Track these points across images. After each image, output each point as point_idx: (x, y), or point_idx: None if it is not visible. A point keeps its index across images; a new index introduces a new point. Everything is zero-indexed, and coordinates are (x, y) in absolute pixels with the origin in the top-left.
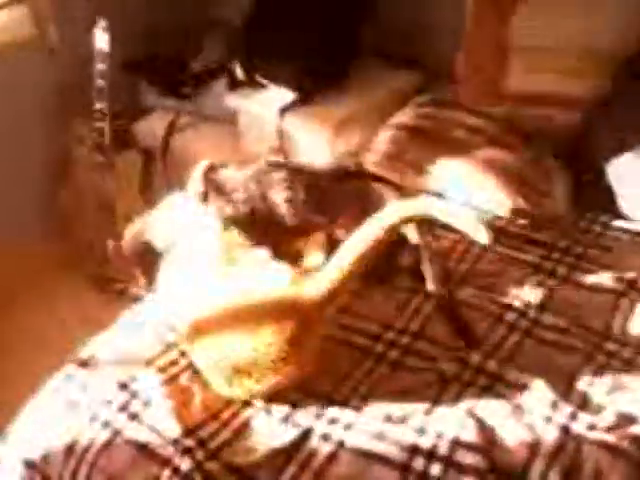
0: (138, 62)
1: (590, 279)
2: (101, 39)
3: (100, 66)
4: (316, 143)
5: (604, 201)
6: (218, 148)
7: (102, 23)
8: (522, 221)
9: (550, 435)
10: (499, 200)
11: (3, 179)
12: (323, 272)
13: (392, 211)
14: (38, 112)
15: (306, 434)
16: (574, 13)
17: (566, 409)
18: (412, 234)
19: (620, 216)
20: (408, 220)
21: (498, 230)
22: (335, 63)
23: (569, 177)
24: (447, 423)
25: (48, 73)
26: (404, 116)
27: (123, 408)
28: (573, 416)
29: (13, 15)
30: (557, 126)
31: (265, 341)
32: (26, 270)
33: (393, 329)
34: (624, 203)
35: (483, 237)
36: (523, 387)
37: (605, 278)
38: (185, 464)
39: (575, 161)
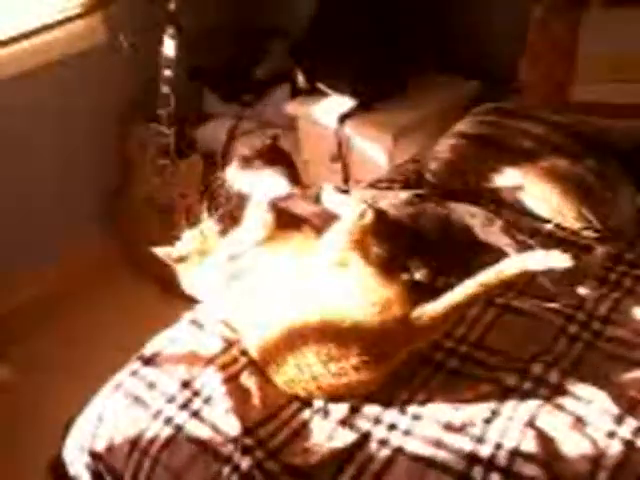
0: (202, 69)
1: None
2: (169, 46)
3: (166, 72)
4: (375, 150)
5: None
6: None
7: (170, 30)
8: (586, 232)
9: (614, 449)
10: (562, 210)
11: (70, 181)
12: (433, 304)
13: (511, 264)
14: (107, 115)
15: (364, 438)
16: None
17: (631, 423)
18: None
19: None
20: (521, 277)
21: (561, 241)
22: (395, 71)
23: (634, 186)
24: (507, 433)
25: (118, 78)
26: (466, 125)
27: (185, 405)
28: (638, 431)
29: (87, 24)
30: (622, 135)
31: (347, 364)
32: (91, 271)
33: (452, 338)
34: None
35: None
36: (586, 400)
37: None
38: (245, 462)
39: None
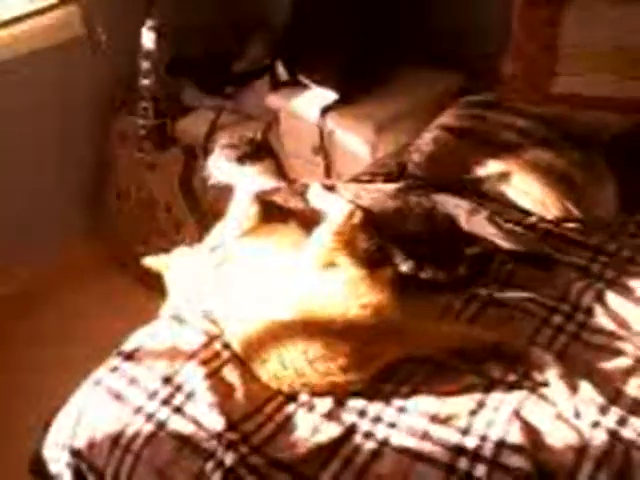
0: (182, 61)
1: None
2: (147, 38)
3: (145, 65)
4: (357, 143)
5: None
6: None
7: (149, 22)
8: (569, 224)
9: (598, 439)
10: (545, 202)
11: (48, 176)
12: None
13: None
14: (84, 110)
15: (350, 431)
16: (624, 13)
17: (616, 413)
18: None
19: None
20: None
21: (544, 232)
22: (377, 64)
23: (619, 181)
24: (492, 424)
25: (95, 71)
26: (449, 117)
27: (167, 401)
28: (622, 421)
29: (62, 15)
30: (608, 129)
31: (335, 364)
32: (71, 267)
33: None
34: None
35: None
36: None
37: None
38: (229, 458)
39: (626, 165)
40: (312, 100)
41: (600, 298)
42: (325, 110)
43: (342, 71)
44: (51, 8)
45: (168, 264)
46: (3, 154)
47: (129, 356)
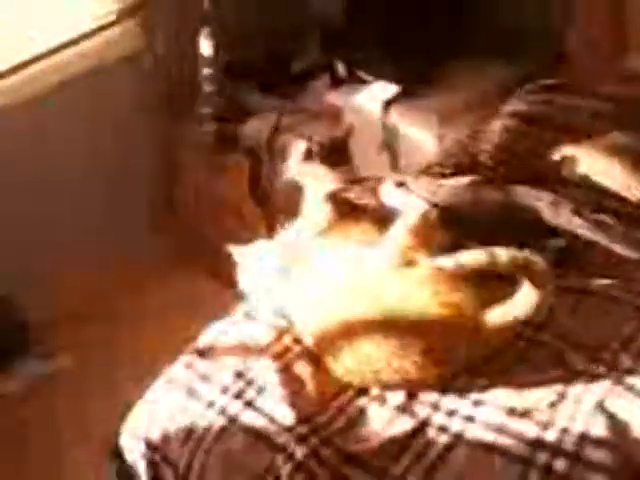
0: (240, 64)
1: None
2: (205, 46)
3: (206, 71)
4: (422, 135)
5: None
6: None
7: (205, 30)
8: None
9: None
10: (628, 186)
11: (116, 182)
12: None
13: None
14: (147, 118)
15: (423, 425)
16: None
17: None
18: None
19: None
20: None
21: (628, 216)
22: (438, 55)
23: None
24: (574, 417)
25: (157, 81)
26: (517, 103)
27: (238, 396)
28: None
29: (124, 29)
30: None
31: (410, 361)
32: (143, 263)
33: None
34: None
35: None
36: None
37: None
38: (300, 451)
39: None
40: (374, 95)
41: None
42: (387, 104)
43: (401, 64)
44: (112, 24)
45: (244, 257)
46: (79, 161)
47: (202, 353)
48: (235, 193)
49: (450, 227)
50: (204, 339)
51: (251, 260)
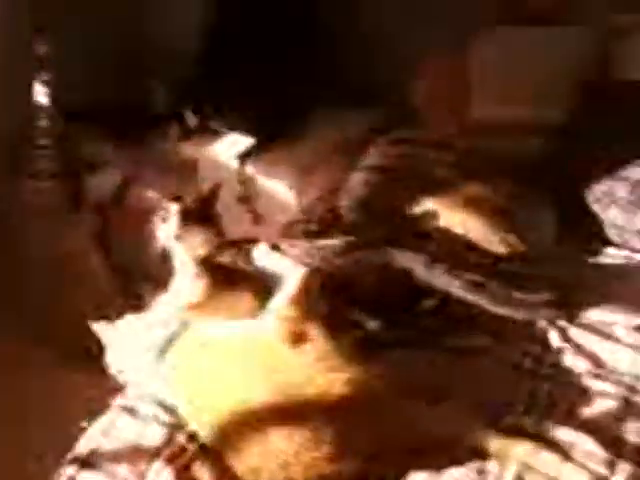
0: (85, 111)
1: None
2: (41, 93)
3: (42, 122)
4: (281, 187)
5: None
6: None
7: (42, 76)
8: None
9: None
10: (489, 239)
11: None
12: None
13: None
14: None
15: None
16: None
17: None
18: None
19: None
20: None
21: (496, 272)
22: (291, 105)
23: (552, 207)
24: None
25: None
26: (375, 157)
27: None
28: None
29: None
30: (532, 156)
31: (320, 454)
32: None
33: None
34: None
35: None
36: None
37: None
38: None
39: (555, 190)
40: (229, 146)
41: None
42: (244, 156)
43: (257, 116)
44: None
45: (109, 337)
46: None
47: (85, 462)
48: (83, 260)
49: (330, 293)
50: (85, 445)
51: (120, 338)
